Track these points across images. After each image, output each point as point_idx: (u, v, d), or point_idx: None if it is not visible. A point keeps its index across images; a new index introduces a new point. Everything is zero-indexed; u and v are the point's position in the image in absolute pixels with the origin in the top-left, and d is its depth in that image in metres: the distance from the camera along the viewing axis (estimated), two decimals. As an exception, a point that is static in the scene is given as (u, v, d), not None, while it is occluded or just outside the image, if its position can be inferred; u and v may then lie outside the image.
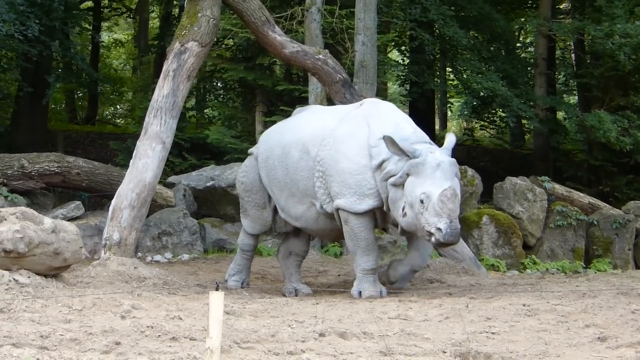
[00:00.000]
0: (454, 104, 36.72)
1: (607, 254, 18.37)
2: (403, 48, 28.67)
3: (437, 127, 33.04)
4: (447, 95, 35.33)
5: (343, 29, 19.35)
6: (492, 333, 8.02)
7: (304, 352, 7.14)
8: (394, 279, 12.16)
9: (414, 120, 12.33)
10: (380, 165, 11.44)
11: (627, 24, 22.92)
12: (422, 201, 10.83)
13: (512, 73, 25.75)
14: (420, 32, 24.38)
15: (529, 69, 28.09)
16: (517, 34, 31.90)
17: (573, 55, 31.01)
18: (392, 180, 11.23)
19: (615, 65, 23.55)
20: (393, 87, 33.43)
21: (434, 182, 10.89)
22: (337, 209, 11.75)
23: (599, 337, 7.74)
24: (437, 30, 25.96)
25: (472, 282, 13.06)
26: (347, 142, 11.78)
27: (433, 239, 10.82)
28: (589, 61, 27.12)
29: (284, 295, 12.31)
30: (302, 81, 21.02)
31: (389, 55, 29.20)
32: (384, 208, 11.54)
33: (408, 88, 27.98)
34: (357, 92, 15.23)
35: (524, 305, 9.44)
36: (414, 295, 11.28)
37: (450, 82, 28.66)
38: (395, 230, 12.51)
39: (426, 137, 11.73)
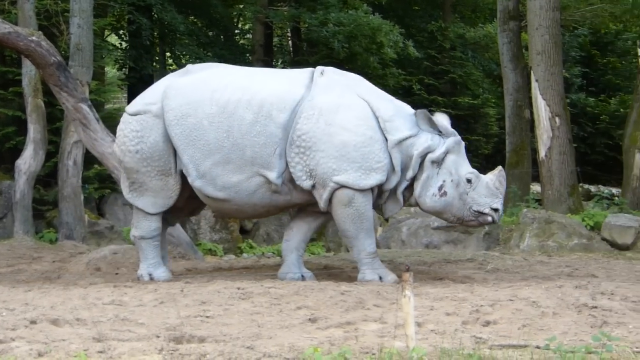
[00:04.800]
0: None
1: (321, 238, 18.94)
2: (121, 32, 28.41)
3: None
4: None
5: (58, 12, 18.94)
6: (207, 317, 8.08)
7: (14, 340, 6.95)
8: None
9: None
10: (403, 141, 10.76)
11: (341, 13, 23.87)
12: (469, 180, 10.72)
13: (231, 59, 26.03)
14: (138, 16, 24.31)
15: (247, 55, 28.52)
16: (235, 20, 32.26)
17: (290, 42, 31.72)
18: (433, 156, 10.73)
19: (329, 52, 24.42)
20: (112, 71, 32.98)
21: (468, 163, 10.97)
22: (335, 190, 10.70)
23: (309, 319, 7.95)
24: (155, 15, 25.90)
25: (189, 266, 13.09)
26: (340, 113, 10.82)
27: (488, 218, 10.80)
28: (305, 48, 27.90)
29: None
30: (16, 63, 20.36)
31: (108, 39, 28.79)
32: (400, 186, 10.87)
33: (127, 72, 27.75)
34: (72, 76, 14.91)
35: (239, 288, 9.56)
36: (130, 280, 11.21)
37: (169, 67, 28.57)
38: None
39: None
